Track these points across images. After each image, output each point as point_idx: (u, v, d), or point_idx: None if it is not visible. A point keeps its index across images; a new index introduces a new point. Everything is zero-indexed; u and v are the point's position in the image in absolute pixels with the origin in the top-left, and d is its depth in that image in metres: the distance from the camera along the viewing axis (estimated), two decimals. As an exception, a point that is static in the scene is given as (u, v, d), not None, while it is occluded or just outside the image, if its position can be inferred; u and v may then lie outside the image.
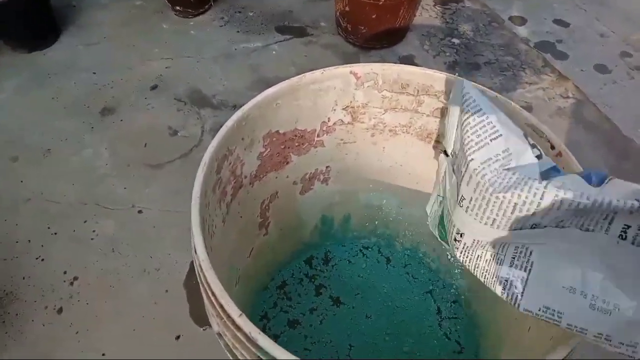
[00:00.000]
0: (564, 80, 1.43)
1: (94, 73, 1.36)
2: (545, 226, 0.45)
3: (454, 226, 0.54)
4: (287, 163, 0.73)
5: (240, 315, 0.43)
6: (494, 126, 0.51)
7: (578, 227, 0.44)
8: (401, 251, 0.94)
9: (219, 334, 0.51)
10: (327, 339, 0.83)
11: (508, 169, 0.47)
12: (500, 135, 0.50)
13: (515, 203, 0.45)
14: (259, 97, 0.60)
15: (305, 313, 0.86)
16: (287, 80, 0.62)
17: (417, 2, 1.42)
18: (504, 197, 0.45)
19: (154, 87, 1.33)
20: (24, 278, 0.96)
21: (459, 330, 0.84)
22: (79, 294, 0.94)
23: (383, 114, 0.72)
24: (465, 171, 0.50)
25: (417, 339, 0.83)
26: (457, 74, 0.69)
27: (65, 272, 0.97)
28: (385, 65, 0.65)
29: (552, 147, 0.58)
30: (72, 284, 0.96)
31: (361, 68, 0.65)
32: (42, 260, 0.99)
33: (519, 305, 0.48)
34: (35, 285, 0.95)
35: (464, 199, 0.50)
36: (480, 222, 0.49)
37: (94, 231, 1.03)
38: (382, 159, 0.79)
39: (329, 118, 0.71)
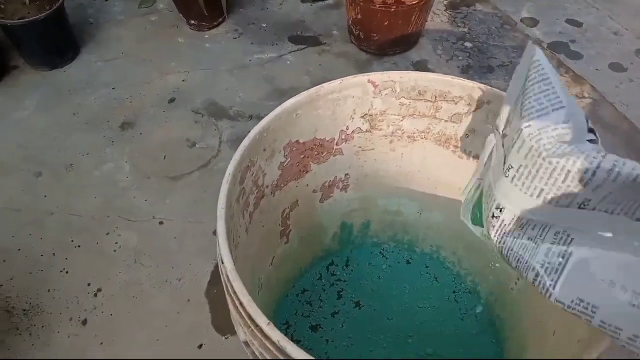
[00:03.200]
0: (579, 80, 1.42)
1: (113, 88, 1.39)
2: (594, 208, 0.43)
3: (494, 201, 0.51)
4: (307, 172, 0.74)
5: (269, 324, 0.44)
6: (559, 97, 0.48)
7: (629, 216, 0.41)
8: (421, 255, 0.94)
9: (246, 343, 0.52)
10: (349, 343, 0.83)
11: (564, 142, 0.45)
12: (564, 107, 0.47)
13: (568, 170, 0.41)
14: (279, 109, 0.61)
15: (328, 317, 0.86)
16: (306, 92, 0.63)
17: (429, 7, 1.43)
18: (557, 162, 0.42)
19: (172, 101, 1.36)
20: (49, 291, 0.98)
21: (482, 333, 0.84)
22: (103, 306, 0.96)
23: (401, 121, 0.72)
24: (518, 138, 0.47)
25: (440, 341, 0.83)
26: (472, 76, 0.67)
27: (89, 284, 0.99)
28: (403, 73, 0.66)
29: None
30: (96, 295, 0.97)
31: (379, 77, 0.66)
32: (67, 272, 1.01)
33: (550, 295, 0.45)
34: (60, 298, 0.97)
35: (512, 167, 0.47)
36: (526, 193, 0.46)
37: (116, 243, 1.05)
38: (400, 165, 0.79)
39: (347, 127, 0.71)
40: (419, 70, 1.44)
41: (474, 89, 0.65)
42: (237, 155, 0.57)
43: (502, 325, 0.82)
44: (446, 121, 0.70)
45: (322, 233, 0.87)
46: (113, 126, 1.29)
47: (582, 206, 0.43)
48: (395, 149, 0.76)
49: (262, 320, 0.44)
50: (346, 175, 0.79)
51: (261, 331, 0.45)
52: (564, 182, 0.43)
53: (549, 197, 0.44)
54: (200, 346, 0.90)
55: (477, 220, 0.60)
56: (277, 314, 0.85)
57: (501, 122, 0.57)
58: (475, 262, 0.86)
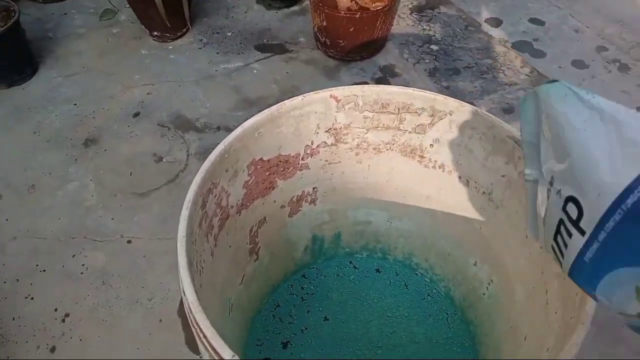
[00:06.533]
0: (543, 79, 1.45)
1: (75, 104, 1.35)
2: None
3: None
4: (273, 188, 0.73)
5: (233, 356, 0.43)
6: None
7: None
8: (392, 263, 0.94)
9: (214, 372, 0.50)
10: (318, 358, 0.82)
11: None
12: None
13: None
14: (239, 129, 0.60)
15: (297, 333, 0.85)
16: (266, 110, 0.62)
17: (394, 12, 1.43)
18: None
19: (137, 114, 1.33)
20: (14, 319, 0.94)
21: (454, 339, 0.84)
22: (72, 331, 0.93)
23: (366, 133, 0.72)
24: None
25: (410, 349, 0.83)
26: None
27: (56, 310, 0.96)
28: (365, 87, 0.66)
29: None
30: (63, 321, 0.94)
31: (341, 91, 0.65)
32: (32, 298, 0.97)
33: None
34: (26, 325, 0.94)
35: None
36: None
37: (83, 265, 1.02)
38: (367, 177, 0.79)
39: (312, 141, 0.71)
40: (386, 75, 1.44)
41: (435, 100, 0.65)
42: (197, 179, 0.56)
43: (475, 330, 0.82)
44: (410, 132, 0.70)
45: (293, 247, 0.86)
46: (76, 143, 1.25)
47: None
48: (361, 161, 0.76)
49: (227, 353, 0.43)
50: (314, 188, 0.79)
51: (226, 363, 0.44)
52: None
53: None
54: (174, 367, 0.88)
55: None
56: (251, 332, 0.84)
57: (532, 168, 0.50)
58: (447, 268, 0.86)
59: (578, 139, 0.42)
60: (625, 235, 0.37)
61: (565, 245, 0.44)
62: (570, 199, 0.43)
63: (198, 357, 0.88)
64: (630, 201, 0.37)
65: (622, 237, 0.37)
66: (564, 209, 0.44)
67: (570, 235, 0.42)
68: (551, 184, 0.47)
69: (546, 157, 0.48)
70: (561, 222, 0.44)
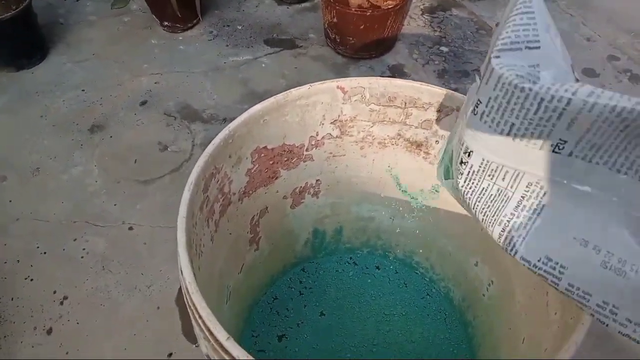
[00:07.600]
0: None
1: (83, 90, 1.36)
2: (570, 153, 0.38)
3: (462, 144, 0.46)
4: (276, 178, 0.72)
5: (228, 338, 0.42)
6: (537, 35, 0.42)
7: (608, 166, 0.37)
8: (393, 260, 0.93)
9: (207, 356, 0.50)
10: (313, 353, 0.82)
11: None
12: (538, 47, 0.41)
13: (541, 98, 0.37)
14: (245, 115, 0.60)
15: (293, 327, 0.85)
16: (273, 97, 0.62)
17: (405, 11, 1.43)
18: (530, 89, 0.37)
19: (144, 103, 1.33)
20: (12, 299, 0.95)
21: (451, 340, 0.84)
22: (69, 314, 0.93)
23: (371, 127, 0.71)
24: (487, 67, 0.41)
25: (406, 348, 0.83)
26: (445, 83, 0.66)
27: (54, 292, 0.96)
28: (372, 79, 0.65)
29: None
30: (62, 303, 0.94)
31: (348, 82, 0.65)
32: (32, 280, 0.97)
33: (516, 252, 0.42)
34: (24, 306, 0.94)
35: (480, 102, 0.42)
36: (495, 130, 0.41)
37: (84, 249, 1.02)
38: (372, 171, 0.79)
39: (317, 132, 0.70)
40: (395, 74, 1.44)
41: (443, 95, 0.65)
42: (200, 162, 0.55)
43: (473, 332, 0.81)
44: (416, 127, 0.70)
45: (293, 239, 0.86)
46: (82, 129, 1.26)
47: (557, 149, 0.39)
48: (366, 155, 0.76)
49: (222, 335, 0.42)
50: (317, 180, 0.78)
51: (220, 346, 0.43)
52: (536, 113, 0.38)
53: (521, 131, 0.39)
54: (170, 355, 0.87)
55: (448, 174, 0.54)
56: (247, 323, 0.84)
57: (483, 65, 0.50)
58: (448, 268, 0.86)
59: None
60: None
61: None
62: None
63: (194, 346, 0.88)
64: None
65: None
66: None
67: None
68: None
69: None
70: None
